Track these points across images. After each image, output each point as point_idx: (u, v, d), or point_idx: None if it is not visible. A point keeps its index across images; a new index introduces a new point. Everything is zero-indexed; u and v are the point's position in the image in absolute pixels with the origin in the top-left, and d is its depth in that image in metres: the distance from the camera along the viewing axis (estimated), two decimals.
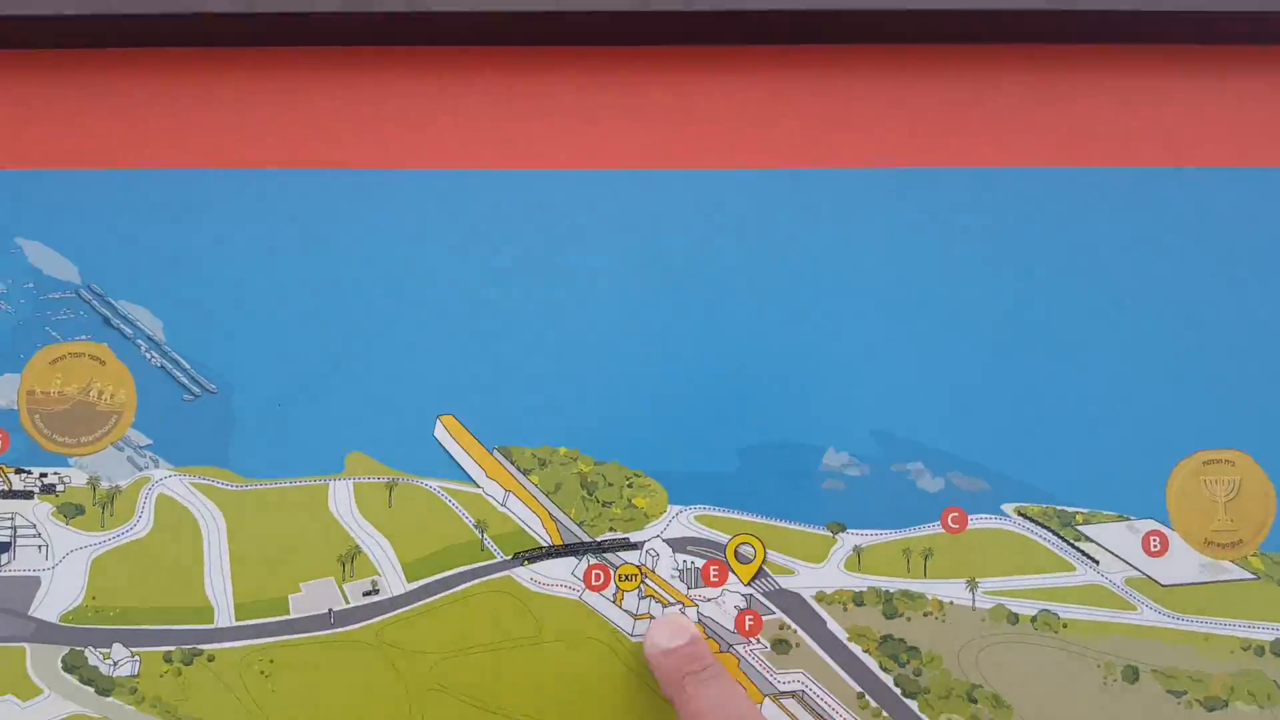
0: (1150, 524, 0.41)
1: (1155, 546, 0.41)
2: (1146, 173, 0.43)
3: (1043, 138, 0.43)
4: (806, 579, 0.41)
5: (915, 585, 0.41)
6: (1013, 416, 0.41)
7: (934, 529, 0.41)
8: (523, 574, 0.41)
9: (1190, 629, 0.41)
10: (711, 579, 0.41)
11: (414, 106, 0.43)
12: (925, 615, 0.41)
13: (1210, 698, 0.41)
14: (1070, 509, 0.41)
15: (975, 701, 0.41)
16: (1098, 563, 0.41)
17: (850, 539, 0.41)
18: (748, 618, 0.41)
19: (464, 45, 0.43)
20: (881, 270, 0.42)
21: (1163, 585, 0.41)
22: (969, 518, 0.41)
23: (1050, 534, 0.41)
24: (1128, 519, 0.41)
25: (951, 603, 0.41)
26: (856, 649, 0.41)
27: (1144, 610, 0.41)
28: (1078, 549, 0.41)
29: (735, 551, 0.41)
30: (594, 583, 0.41)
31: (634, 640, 0.41)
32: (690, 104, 0.43)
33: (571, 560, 0.41)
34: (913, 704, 0.41)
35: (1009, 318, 0.42)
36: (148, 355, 0.42)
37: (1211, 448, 0.42)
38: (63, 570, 0.41)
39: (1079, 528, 0.41)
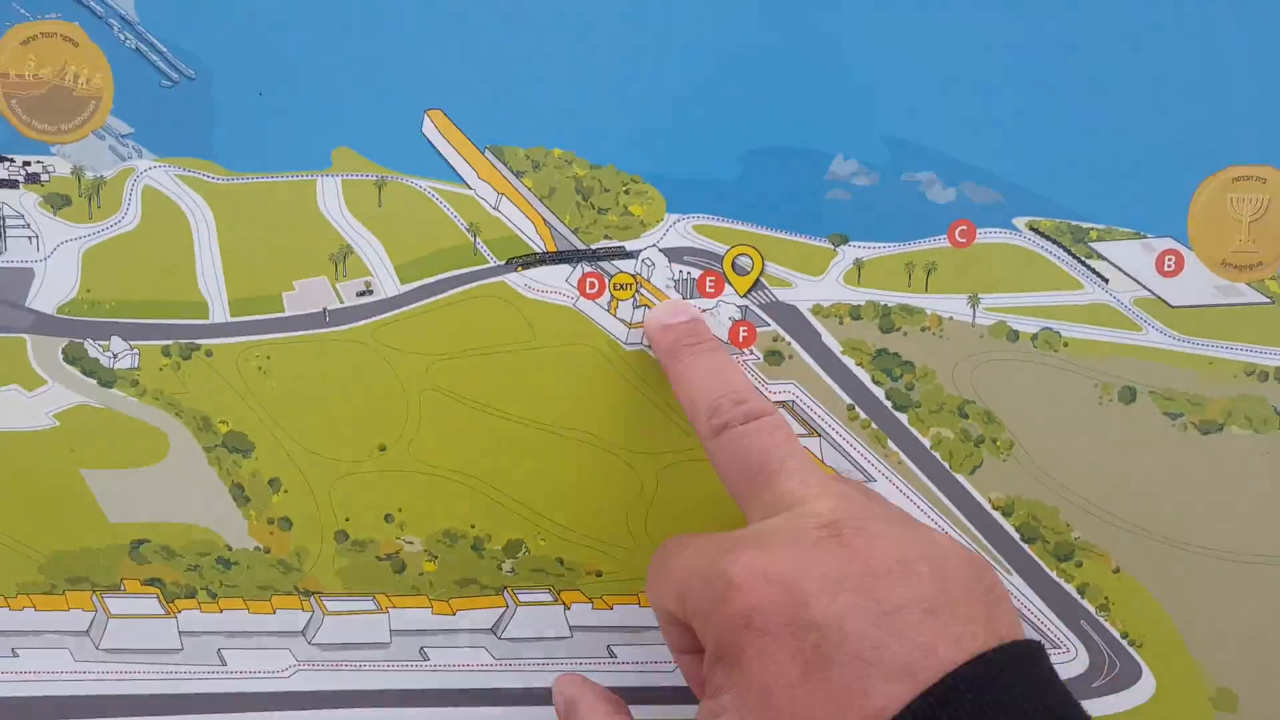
0: (1167, 242, 0.40)
1: (1170, 266, 0.40)
2: None
3: None
4: (804, 292, 0.41)
5: (915, 300, 0.40)
6: (1033, 124, 0.39)
7: (940, 242, 0.40)
8: (516, 280, 0.41)
9: (1195, 352, 0.40)
10: (708, 290, 0.41)
11: None
12: (923, 330, 0.41)
13: (1206, 421, 0.41)
14: (1085, 225, 0.40)
15: (966, 417, 0.41)
16: (1107, 281, 0.40)
17: (852, 251, 0.40)
18: (742, 329, 0.41)
19: None
20: None
21: (1172, 306, 0.40)
22: (978, 231, 0.40)
23: (1062, 250, 0.40)
24: (1144, 236, 0.40)
25: (951, 318, 0.40)
26: (849, 361, 0.41)
27: (1149, 331, 0.40)
28: (1088, 266, 0.40)
29: (733, 263, 0.40)
30: (588, 290, 0.41)
31: (628, 348, 0.41)
32: None
33: (566, 267, 0.41)
34: (903, 417, 0.41)
35: (1032, 19, 0.39)
36: (121, 36, 0.40)
37: (1244, 163, 0.39)
38: (55, 262, 0.40)
39: (1092, 244, 0.40)
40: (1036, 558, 0.42)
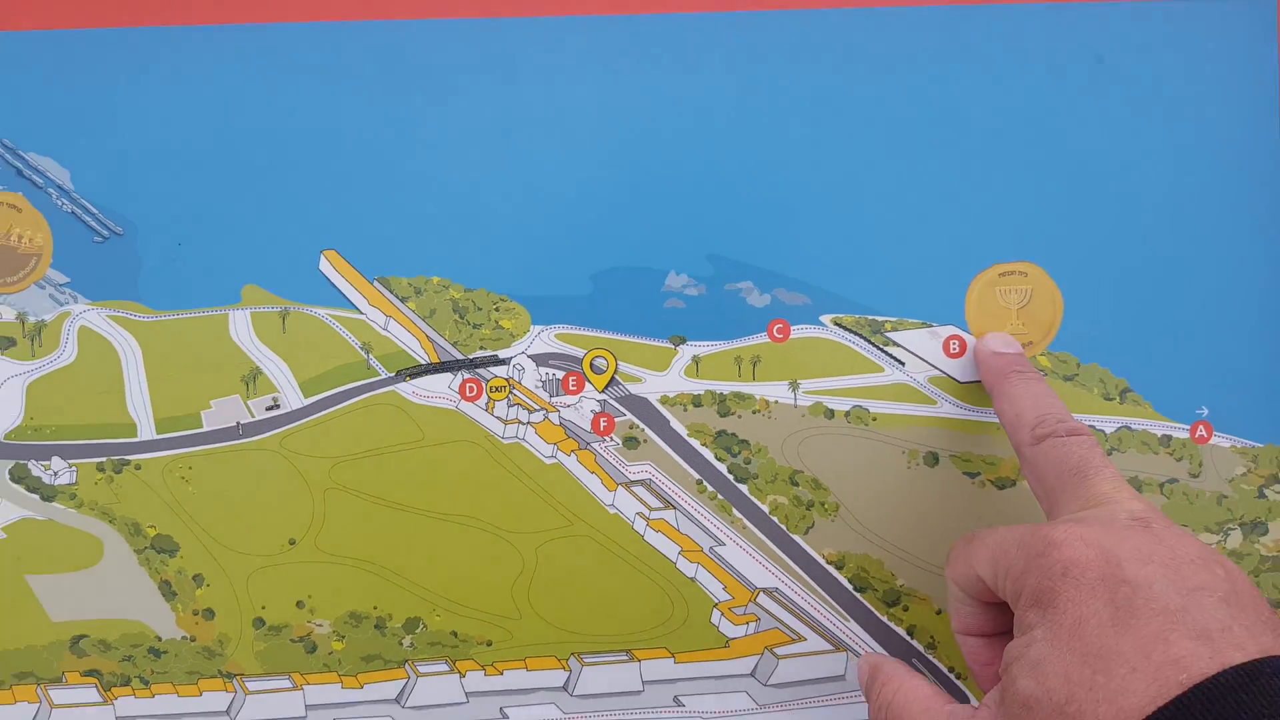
0: (950, 329, 0.48)
1: (955, 349, 0.47)
2: (954, 10, 0.47)
3: None
4: (652, 385, 0.48)
5: (745, 388, 0.48)
6: (829, 236, 0.47)
7: (761, 339, 0.47)
8: (405, 388, 0.47)
9: (984, 420, 0.48)
10: (570, 388, 0.48)
11: None
12: (754, 413, 0.48)
13: (1001, 478, 0.48)
14: (880, 318, 0.47)
15: (797, 485, 0.48)
16: (903, 364, 0.47)
17: (689, 350, 0.47)
18: (602, 419, 0.48)
19: None
20: (709, 109, 0.47)
21: (961, 382, 0.48)
22: (791, 328, 0.47)
23: (862, 340, 0.47)
24: (931, 325, 0.48)
25: (776, 401, 0.48)
26: (695, 443, 0.48)
27: (944, 404, 0.48)
28: (886, 353, 0.47)
29: (590, 364, 0.48)
30: (468, 394, 0.47)
31: (505, 441, 0.47)
32: None
33: (448, 375, 0.47)
34: (744, 488, 0.48)
35: (824, 147, 0.47)
36: (59, 202, 0.47)
37: (1006, 260, 0.47)
38: (2, 395, 0.47)
39: (888, 334, 0.47)
40: (869, 605, 0.48)
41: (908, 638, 0.48)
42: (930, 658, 0.48)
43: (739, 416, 0.48)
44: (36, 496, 0.47)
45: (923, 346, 0.48)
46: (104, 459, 0.47)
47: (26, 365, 0.47)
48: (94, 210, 0.47)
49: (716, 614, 0.47)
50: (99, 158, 0.46)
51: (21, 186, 0.47)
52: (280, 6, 0.46)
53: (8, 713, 0.46)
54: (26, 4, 0.46)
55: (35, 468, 0.47)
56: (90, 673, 0.47)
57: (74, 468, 0.47)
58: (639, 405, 0.48)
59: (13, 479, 0.47)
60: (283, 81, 0.46)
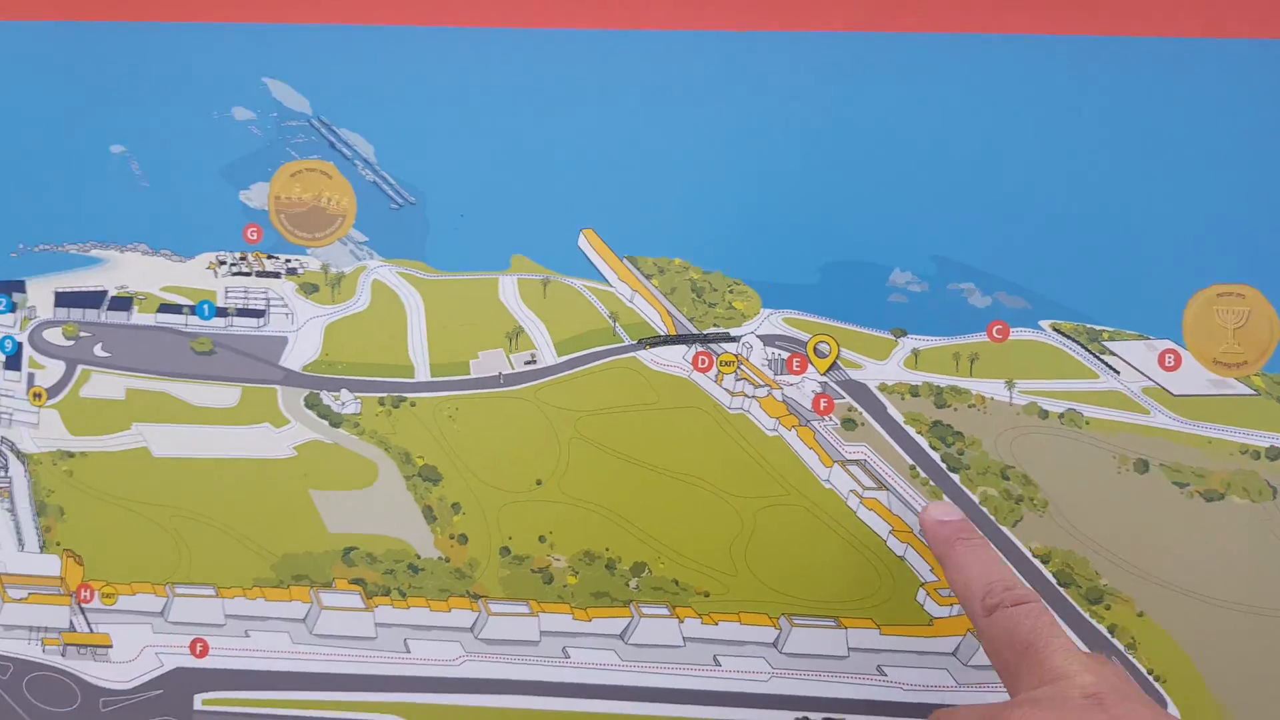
0: (1167, 343, 0.50)
1: (1170, 363, 0.49)
2: (1182, 43, 0.49)
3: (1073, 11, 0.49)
4: (872, 373, 0.51)
5: (962, 382, 0.51)
6: (1054, 245, 0.50)
7: (980, 338, 0.50)
8: (645, 356, 0.52)
9: (1196, 433, 0.50)
10: (794, 369, 0.52)
11: None
12: (970, 407, 0.51)
13: (1209, 490, 0.49)
14: (1098, 327, 0.50)
15: (1008, 479, 0.50)
16: (1119, 373, 0.50)
17: (910, 342, 0.51)
18: (822, 400, 0.52)
19: None
20: (942, 117, 0.50)
21: (1174, 395, 0.50)
22: (1011, 330, 0.50)
23: (1079, 347, 0.50)
24: (1147, 338, 0.50)
25: (992, 398, 0.51)
26: (911, 430, 0.51)
27: (1156, 415, 0.50)
28: (1102, 360, 0.50)
29: (814, 348, 0.52)
30: (700, 366, 0.52)
31: (731, 411, 0.52)
32: None
33: (683, 347, 0.52)
34: (955, 477, 0.51)
35: (1051, 158, 0.50)
36: (364, 173, 0.54)
37: (1226, 281, 0.49)
38: (304, 333, 0.54)
39: (1105, 343, 0.50)
40: (1072, 600, 0.50)
41: (1109, 636, 0.50)
42: (1130, 658, 0.50)
43: (954, 409, 0.51)
44: (325, 422, 0.54)
45: (1139, 358, 0.50)
46: (385, 395, 0.54)
47: (327, 309, 0.54)
48: (393, 182, 0.54)
49: (922, 593, 0.50)
50: (400, 137, 0.53)
51: (334, 157, 0.54)
52: (588, 14, 0.52)
53: (285, 608, 0.54)
54: (355, 4, 0.54)
55: (326, 397, 0.54)
56: (356, 581, 0.54)
57: (359, 400, 0.54)
58: (858, 390, 0.51)
59: (306, 405, 0.54)
60: (559, 83, 0.52)
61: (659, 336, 0.52)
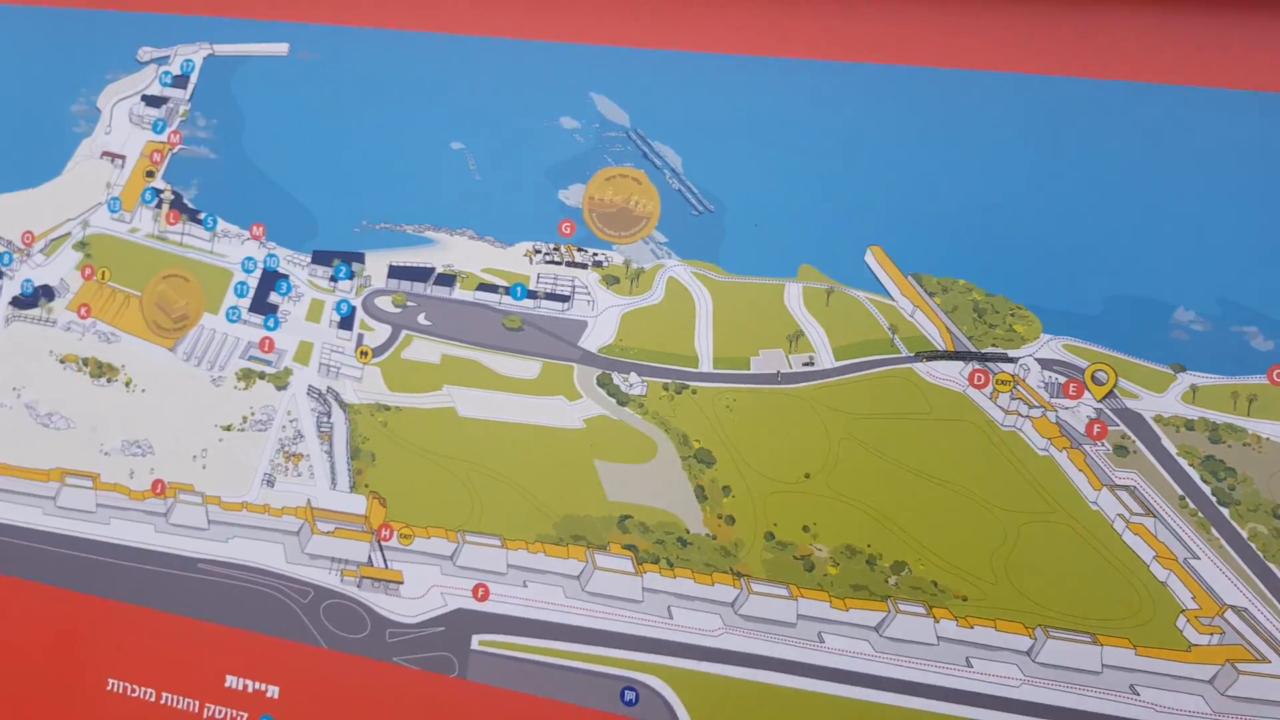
0: None
1: None
2: None
3: None
4: (1148, 404, 0.53)
5: (1239, 421, 0.52)
6: None
7: (1260, 380, 0.52)
8: (921, 368, 0.56)
9: None
10: (1070, 393, 0.54)
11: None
12: (1244, 445, 0.52)
13: None
14: None
15: (1278, 518, 0.51)
16: None
17: (1188, 378, 0.53)
18: (1096, 425, 0.54)
19: None
20: (1226, 166, 0.52)
21: None
22: None
23: None
24: None
25: (1269, 439, 0.51)
26: (1183, 462, 0.53)
27: None
28: None
29: (1091, 375, 0.54)
30: (976, 382, 0.55)
31: (1003, 429, 0.55)
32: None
33: (960, 364, 0.56)
34: (1225, 511, 0.52)
35: None
36: (671, 181, 0.60)
37: None
38: (602, 319, 0.60)
39: None
40: None
41: None
42: None
43: (1229, 446, 0.52)
44: (614, 401, 0.60)
45: None
46: (669, 381, 0.59)
47: (624, 299, 0.60)
48: (696, 191, 0.59)
49: (1182, 619, 0.51)
50: (706, 152, 0.59)
51: (645, 166, 0.60)
52: (891, 51, 0.57)
53: (561, 564, 0.59)
54: (666, 31, 0.60)
55: (617, 378, 0.60)
56: (629, 547, 0.58)
57: (645, 383, 0.59)
58: (1133, 419, 0.53)
59: (598, 384, 0.60)
60: (859, 112, 0.57)
61: (937, 351, 0.56)
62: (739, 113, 0.59)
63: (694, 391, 0.59)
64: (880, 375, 0.56)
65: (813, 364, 0.57)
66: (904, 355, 0.56)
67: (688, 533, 0.58)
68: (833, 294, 0.57)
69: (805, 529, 0.56)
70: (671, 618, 0.57)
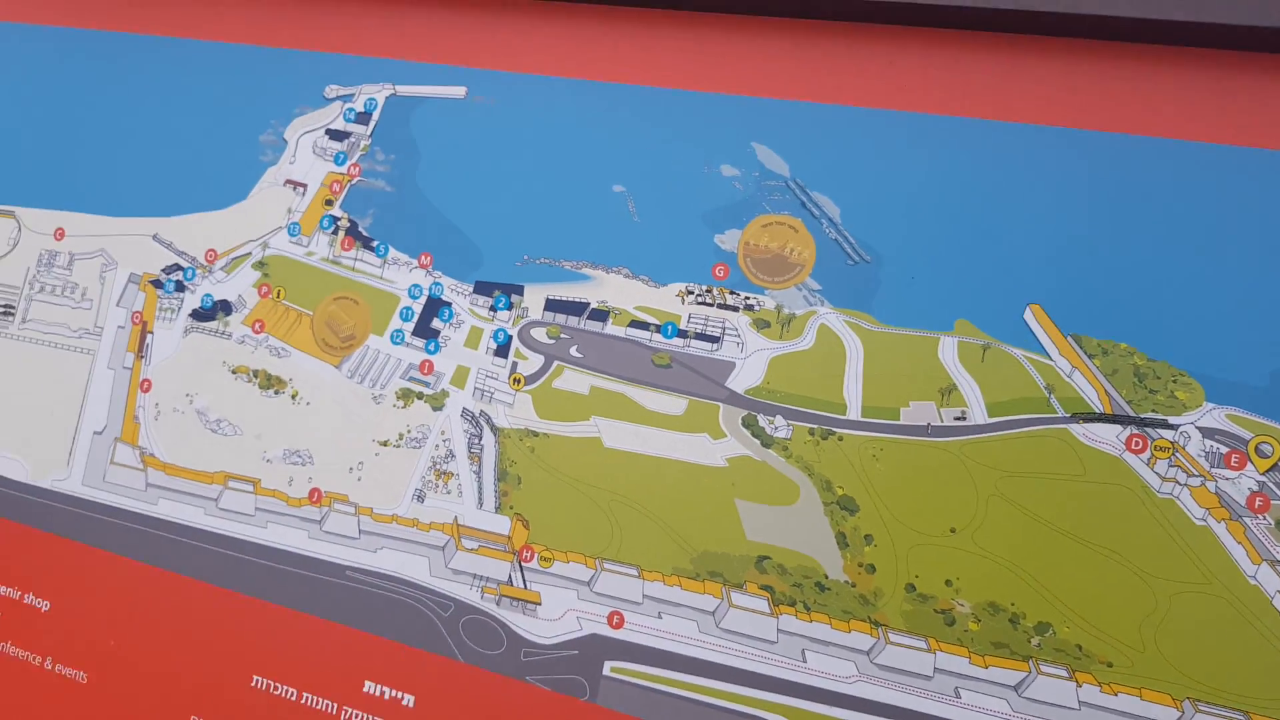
0: None
1: None
2: None
3: None
4: None
5: None
6: None
7: None
8: (1077, 429, 0.56)
9: None
10: (1232, 464, 0.53)
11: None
12: None
13: None
14: None
15: None
16: None
17: None
18: (1258, 499, 0.53)
19: None
20: None
21: None
22: None
23: None
24: None
25: None
26: None
27: None
28: None
29: (1255, 448, 0.53)
30: (1133, 447, 0.55)
31: (1160, 496, 0.54)
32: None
33: (1117, 427, 0.55)
34: None
35: None
36: (828, 231, 0.61)
37: None
38: (750, 361, 0.62)
39: None
40: None
41: None
42: None
43: None
44: (758, 442, 0.61)
45: None
46: (815, 426, 0.60)
47: (773, 343, 0.61)
48: (852, 241, 0.61)
49: None
50: (865, 204, 0.61)
51: (803, 215, 0.62)
52: (1055, 113, 0.58)
53: (697, 599, 0.60)
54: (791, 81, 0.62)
55: (762, 420, 0.61)
56: (765, 587, 0.59)
57: (791, 426, 0.60)
58: None
59: (743, 424, 0.61)
60: (1021, 173, 0.58)
61: (1094, 413, 0.56)
62: (899, 166, 0.60)
63: (840, 438, 0.59)
64: (1034, 434, 0.56)
65: (965, 419, 0.57)
66: (1060, 416, 0.56)
67: (826, 578, 0.58)
68: (989, 350, 0.58)
69: (948, 583, 0.56)
70: (805, 661, 0.58)
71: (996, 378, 0.57)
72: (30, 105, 0.82)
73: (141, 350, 0.75)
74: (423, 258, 0.70)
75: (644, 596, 0.61)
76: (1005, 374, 0.57)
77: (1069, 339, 0.56)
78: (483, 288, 0.68)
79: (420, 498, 0.67)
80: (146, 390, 0.75)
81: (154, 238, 0.77)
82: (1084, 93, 0.58)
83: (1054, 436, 0.56)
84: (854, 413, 0.59)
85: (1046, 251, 0.57)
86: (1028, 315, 0.57)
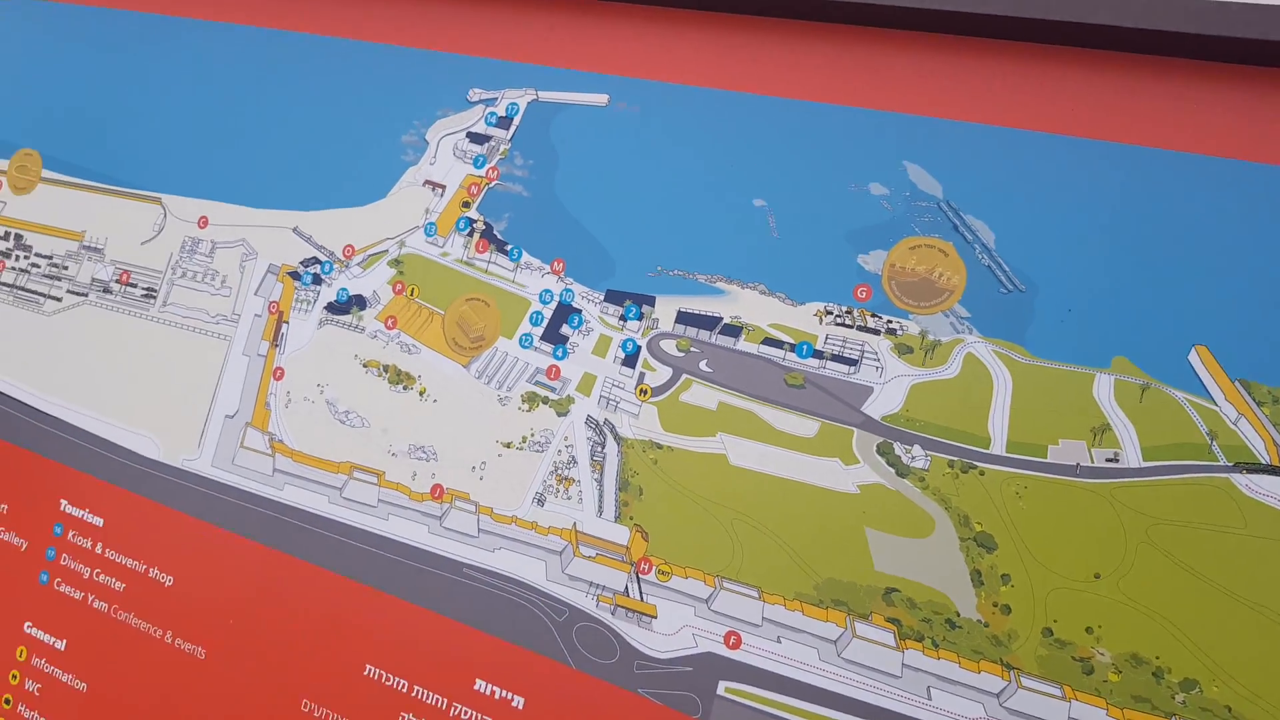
0: None
1: None
2: None
3: None
4: None
5: None
6: None
7: None
8: (1240, 480, 0.53)
9: None
10: None
11: None
12: None
13: None
14: None
15: None
16: None
17: None
18: None
19: None
20: None
21: None
22: None
23: None
24: None
25: None
26: None
27: None
28: None
29: None
30: None
31: None
32: None
33: None
34: None
35: None
36: (980, 257, 0.60)
37: None
38: (889, 387, 0.60)
39: None
40: None
41: None
42: None
43: None
44: (892, 471, 0.59)
45: None
46: (956, 458, 0.58)
47: (915, 370, 0.60)
48: (1007, 269, 0.59)
49: None
50: (1022, 230, 0.59)
51: (954, 239, 0.60)
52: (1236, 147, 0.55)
53: (819, 626, 0.59)
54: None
55: (899, 449, 0.59)
56: (892, 620, 0.57)
57: (929, 457, 0.59)
58: None
59: (878, 451, 0.60)
60: (1188, 203, 0.55)
61: (1260, 464, 0.53)
62: (1061, 193, 0.58)
63: (981, 473, 0.57)
64: (1192, 482, 0.54)
65: (1117, 460, 0.55)
66: (1222, 464, 0.53)
67: (957, 615, 0.56)
68: (1148, 390, 0.55)
69: (1088, 630, 0.54)
70: (930, 699, 0.56)
71: (1155, 420, 0.55)
72: (182, 97, 0.85)
73: (276, 339, 0.77)
74: (555, 263, 0.70)
75: (763, 619, 0.60)
76: (1164, 417, 0.55)
77: (1236, 384, 0.53)
78: (614, 296, 0.68)
79: (540, 501, 0.67)
80: (279, 378, 0.77)
81: (294, 230, 0.79)
82: (1264, 124, 0.55)
83: (1214, 486, 0.53)
84: (998, 447, 0.57)
85: (1217, 290, 0.54)
86: (1193, 357, 0.54)
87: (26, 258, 0.89)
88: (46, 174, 0.90)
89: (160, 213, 0.84)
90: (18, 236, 0.90)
